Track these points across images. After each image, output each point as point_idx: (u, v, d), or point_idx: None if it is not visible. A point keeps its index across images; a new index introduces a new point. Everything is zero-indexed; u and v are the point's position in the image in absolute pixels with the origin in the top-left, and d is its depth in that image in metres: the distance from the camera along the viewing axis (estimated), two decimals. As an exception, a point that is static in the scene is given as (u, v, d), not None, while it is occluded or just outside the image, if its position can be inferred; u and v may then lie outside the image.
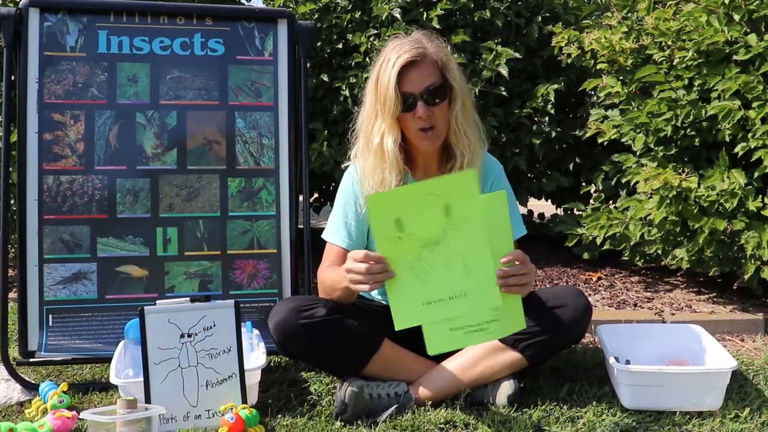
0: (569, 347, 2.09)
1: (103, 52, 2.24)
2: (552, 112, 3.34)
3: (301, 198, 2.40)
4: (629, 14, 3.03)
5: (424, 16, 3.29)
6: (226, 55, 2.32)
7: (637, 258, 3.09)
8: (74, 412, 1.76)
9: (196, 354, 1.78)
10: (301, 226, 2.37)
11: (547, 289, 2.18)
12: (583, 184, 3.55)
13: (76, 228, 2.20)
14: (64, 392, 1.88)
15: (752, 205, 2.53)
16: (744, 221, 2.56)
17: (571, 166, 3.58)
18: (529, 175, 3.70)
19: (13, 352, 2.22)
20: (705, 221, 2.60)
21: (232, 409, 1.72)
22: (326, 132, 3.36)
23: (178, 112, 2.28)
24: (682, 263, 2.84)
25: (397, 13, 3.25)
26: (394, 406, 1.81)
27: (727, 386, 1.85)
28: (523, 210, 3.84)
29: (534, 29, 3.39)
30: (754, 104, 2.54)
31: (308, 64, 3.03)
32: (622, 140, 2.98)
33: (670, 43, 2.80)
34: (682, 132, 2.77)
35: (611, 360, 1.89)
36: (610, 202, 3.32)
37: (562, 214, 3.83)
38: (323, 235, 2.03)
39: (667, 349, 2.10)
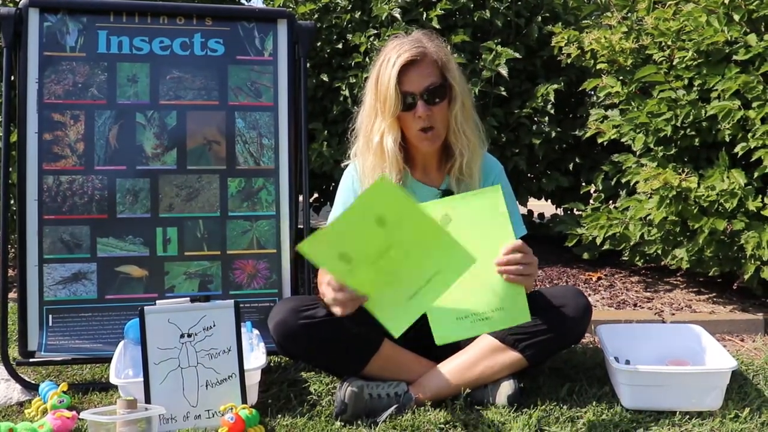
0: (569, 347, 2.09)
1: (103, 52, 2.24)
2: (552, 112, 3.34)
3: (300, 198, 2.40)
4: (629, 14, 3.03)
5: (424, 16, 3.30)
6: (225, 55, 2.32)
7: (637, 258, 3.09)
8: (74, 412, 1.76)
9: (196, 354, 1.78)
10: (301, 226, 2.37)
11: (547, 289, 2.17)
12: (583, 184, 3.55)
13: (75, 228, 2.20)
14: (64, 392, 1.88)
15: (752, 205, 2.53)
16: (744, 221, 2.56)
17: (571, 166, 3.59)
18: (528, 175, 3.71)
19: (13, 352, 2.22)
20: (705, 221, 2.60)
21: (232, 409, 1.72)
22: (326, 132, 3.37)
23: (178, 112, 2.28)
24: (682, 263, 2.84)
25: (396, 13, 3.25)
26: (394, 406, 1.80)
27: (727, 386, 1.85)
28: (523, 210, 3.84)
29: (534, 29, 3.39)
30: (754, 104, 2.54)
31: (308, 64, 3.04)
32: (622, 140, 2.98)
33: (669, 43, 2.80)
34: (682, 132, 2.77)
35: (611, 360, 1.90)
36: (610, 202, 3.32)
37: (562, 214, 3.84)
38: None
39: (667, 349, 2.10)
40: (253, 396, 1.86)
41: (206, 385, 1.77)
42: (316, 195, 4.11)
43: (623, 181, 2.99)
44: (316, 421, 1.80)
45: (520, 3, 3.42)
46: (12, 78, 2.22)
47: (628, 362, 1.99)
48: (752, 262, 2.60)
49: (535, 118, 3.42)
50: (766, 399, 1.94)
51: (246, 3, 4.03)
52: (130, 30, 2.26)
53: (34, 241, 2.16)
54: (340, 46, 3.41)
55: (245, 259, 2.29)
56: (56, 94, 2.21)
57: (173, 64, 2.28)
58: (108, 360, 1.98)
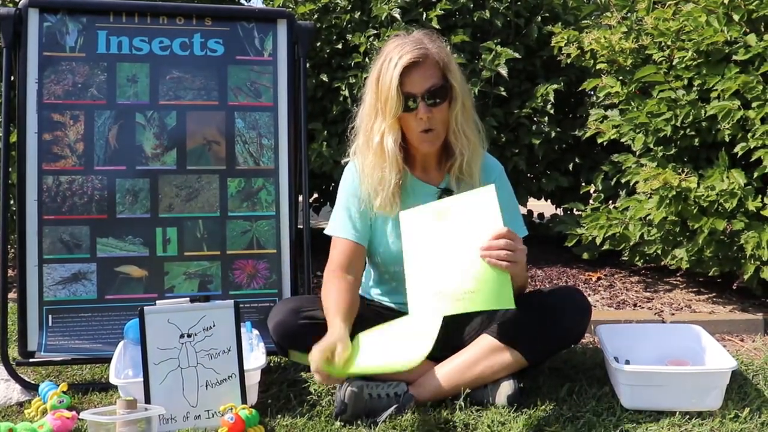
0: (569, 347, 2.09)
1: (103, 53, 2.24)
2: (551, 112, 3.34)
3: (300, 198, 2.40)
4: (629, 14, 3.03)
5: (424, 16, 3.29)
6: (225, 55, 2.32)
7: (637, 258, 3.09)
8: (74, 413, 1.76)
9: (196, 354, 1.78)
10: (301, 227, 2.37)
11: (547, 289, 2.18)
12: (583, 184, 3.55)
13: (75, 228, 2.20)
14: (63, 392, 1.88)
15: (752, 205, 2.53)
16: (743, 221, 2.56)
17: (570, 166, 3.59)
18: (528, 175, 3.71)
19: (13, 352, 2.22)
20: (704, 221, 2.60)
21: (231, 409, 1.72)
22: (326, 132, 3.37)
23: (178, 113, 2.28)
24: (682, 263, 2.84)
25: (396, 14, 3.25)
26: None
27: (727, 386, 1.85)
28: (522, 210, 3.84)
29: (533, 29, 3.39)
30: (754, 104, 2.54)
31: (308, 65, 3.04)
32: (622, 140, 2.98)
33: (669, 43, 2.80)
34: (682, 132, 2.77)
35: (611, 360, 1.89)
36: (610, 202, 3.32)
37: (562, 214, 3.84)
38: (328, 231, 2.01)
39: (667, 349, 2.10)
40: (252, 396, 1.86)
41: (206, 386, 1.77)
42: (315, 195, 4.12)
43: (623, 181, 2.99)
44: (316, 421, 1.80)
45: (519, 3, 3.42)
46: (12, 78, 2.22)
47: (628, 362, 1.99)
48: (752, 262, 2.60)
49: (535, 118, 3.42)
50: (765, 399, 1.94)
51: (246, 3, 4.03)
52: (129, 30, 2.26)
53: (34, 241, 2.16)
54: (339, 46, 3.41)
55: (245, 259, 2.29)
56: (56, 94, 2.20)
57: (173, 65, 2.28)
58: (108, 360, 1.98)
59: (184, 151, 2.27)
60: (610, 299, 3.04)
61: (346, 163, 2.06)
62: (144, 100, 2.26)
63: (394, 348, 1.72)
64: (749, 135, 2.56)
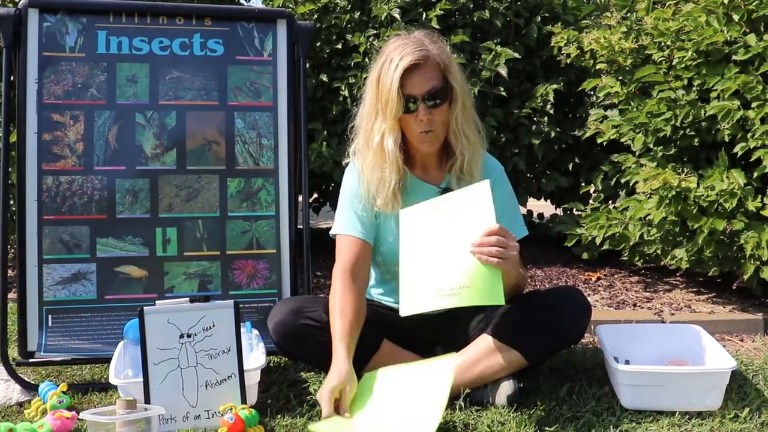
0: (569, 347, 2.09)
1: (103, 53, 2.24)
2: (551, 112, 3.34)
3: (300, 198, 2.40)
4: (628, 14, 3.03)
5: (424, 16, 3.29)
6: (225, 55, 2.32)
7: (637, 258, 3.09)
8: (74, 413, 1.76)
9: (196, 354, 1.78)
10: (301, 227, 2.37)
11: (547, 289, 2.18)
12: (583, 184, 3.55)
13: (75, 228, 2.19)
14: (63, 392, 1.88)
15: (751, 205, 2.53)
16: (743, 221, 2.56)
17: (570, 166, 3.59)
18: (528, 175, 3.71)
19: (13, 352, 2.22)
20: (704, 221, 2.60)
21: (231, 409, 1.72)
22: (325, 132, 3.36)
23: (178, 113, 2.28)
24: (682, 263, 2.84)
25: (396, 14, 3.25)
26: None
27: (727, 386, 1.85)
28: (522, 210, 3.84)
29: (533, 29, 3.39)
30: (754, 104, 2.54)
31: (307, 65, 3.04)
32: (622, 140, 2.98)
33: (669, 43, 2.80)
34: (682, 132, 2.77)
35: (611, 360, 1.90)
36: (610, 202, 3.32)
37: (562, 214, 3.84)
38: (334, 231, 1.99)
39: (667, 349, 2.10)
40: (252, 396, 1.85)
41: (206, 386, 1.77)
42: (315, 195, 4.11)
43: (623, 181, 2.99)
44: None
45: (519, 3, 3.42)
46: (11, 78, 2.22)
47: (627, 362, 1.99)
48: (752, 262, 2.60)
49: (535, 118, 3.42)
50: (765, 399, 1.94)
51: (245, 3, 4.03)
52: (129, 30, 2.26)
53: (34, 241, 2.16)
54: (339, 46, 3.41)
55: (245, 260, 2.29)
56: (56, 94, 2.20)
57: (173, 65, 2.28)
58: (107, 360, 1.98)
59: (183, 151, 2.27)
60: (610, 299, 3.04)
61: (347, 164, 2.06)
62: (144, 100, 2.26)
63: (400, 418, 1.70)
64: (749, 135, 2.56)
